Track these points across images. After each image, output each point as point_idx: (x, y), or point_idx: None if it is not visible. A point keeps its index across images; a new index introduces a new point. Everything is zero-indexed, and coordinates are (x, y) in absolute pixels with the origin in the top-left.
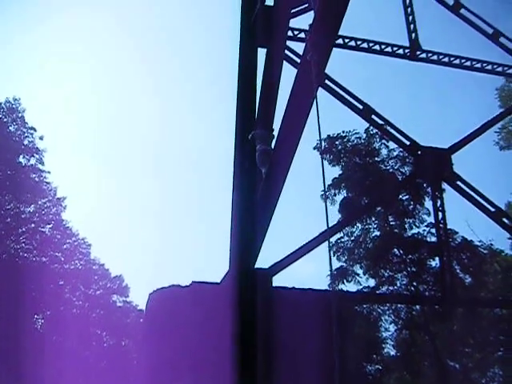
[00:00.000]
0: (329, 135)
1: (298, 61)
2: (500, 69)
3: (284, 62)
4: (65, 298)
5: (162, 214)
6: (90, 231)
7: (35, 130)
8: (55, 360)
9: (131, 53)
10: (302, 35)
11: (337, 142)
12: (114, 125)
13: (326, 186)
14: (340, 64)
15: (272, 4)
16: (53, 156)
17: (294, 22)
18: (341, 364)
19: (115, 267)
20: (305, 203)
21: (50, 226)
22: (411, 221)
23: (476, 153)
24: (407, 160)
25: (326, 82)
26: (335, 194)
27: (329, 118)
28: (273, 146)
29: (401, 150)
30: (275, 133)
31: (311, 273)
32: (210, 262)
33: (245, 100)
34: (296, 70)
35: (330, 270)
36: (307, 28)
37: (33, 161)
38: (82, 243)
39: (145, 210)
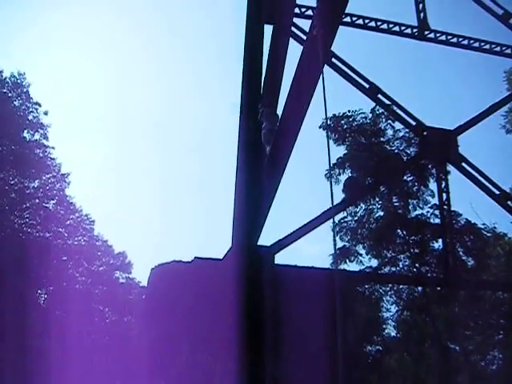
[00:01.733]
0: (334, 114)
1: (305, 38)
2: (509, 50)
3: (290, 39)
4: (68, 274)
5: (165, 191)
6: (93, 207)
7: (40, 105)
8: (58, 335)
9: (135, 31)
10: (309, 12)
11: (342, 121)
12: (118, 101)
13: (331, 165)
14: (346, 43)
15: None
16: (57, 132)
17: None
18: (343, 343)
19: (118, 244)
20: (308, 182)
21: (54, 201)
22: (415, 202)
23: (482, 135)
24: (413, 141)
25: (333, 60)
26: (339, 174)
27: (334, 96)
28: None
29: (406, 130)
30: (279, 112)
31: (316, 254)
32: (213, 239)
33: (250, 77)
34: (302, 48)
35: (334, 249)
36: (314, 5)
37: (37, 136)
38: (86, 219)
39: (148, 186)
